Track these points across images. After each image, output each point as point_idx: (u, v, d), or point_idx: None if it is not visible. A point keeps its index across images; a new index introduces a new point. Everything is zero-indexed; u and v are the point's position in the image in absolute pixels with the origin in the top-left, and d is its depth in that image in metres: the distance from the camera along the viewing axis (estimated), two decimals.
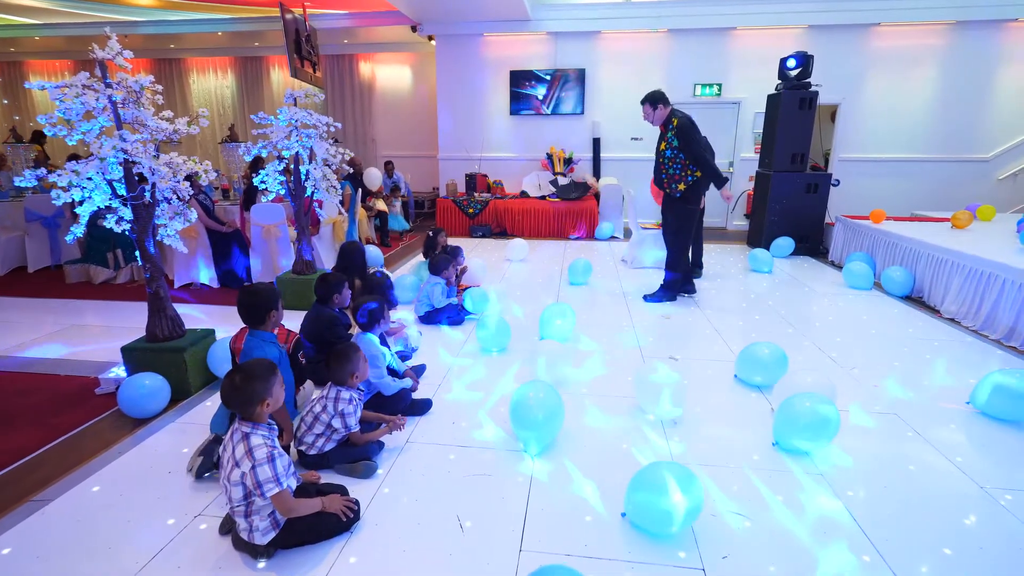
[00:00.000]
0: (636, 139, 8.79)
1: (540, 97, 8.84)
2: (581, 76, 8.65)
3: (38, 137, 8.49)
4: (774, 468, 2.38)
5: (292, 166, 4.37)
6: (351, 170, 6.61)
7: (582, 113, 8.81)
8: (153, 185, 2.87)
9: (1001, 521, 2.05)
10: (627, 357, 3.61)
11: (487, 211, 8.24)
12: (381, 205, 7.67)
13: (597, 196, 8.25)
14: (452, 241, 6.19)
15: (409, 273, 5.21)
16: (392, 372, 2.95)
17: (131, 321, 4.18)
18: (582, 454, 2.49)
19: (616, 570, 1.81)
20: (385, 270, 4.91)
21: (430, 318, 4.22)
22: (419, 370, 3.31)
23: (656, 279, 5.65)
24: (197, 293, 5.14)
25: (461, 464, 2.41)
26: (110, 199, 2.81)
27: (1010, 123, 7.97)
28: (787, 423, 2.47)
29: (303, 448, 2.33)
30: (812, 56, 6.56)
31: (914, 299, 4.96)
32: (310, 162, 4.42)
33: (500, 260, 6.54)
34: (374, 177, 7.00)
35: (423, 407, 2.86)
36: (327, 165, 4.57)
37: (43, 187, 6.06)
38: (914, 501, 2.17)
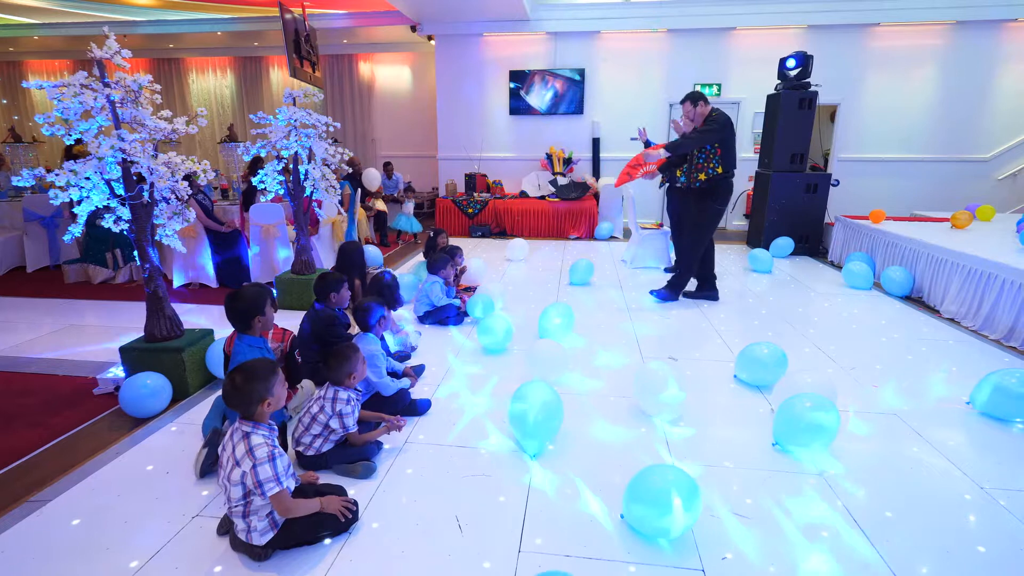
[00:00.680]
0: (635, 139, 8.77)
1: (540, 97, 8.83)
2: (581, 76, 8.64)
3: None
4: (774, 468, 2.38)
5: (291, 166, 4.36)
6: (350, 170, 6.61)
7: (581, 113, 8.80)
8: (151, 185, 2.87)
9: (1001, 521, 2.05)
10: (627, 357, 3.61)
11: (486, 211, 8.24)
12: (380, 205, 7.66)
13: (596, 196, 8.24)
14: (452, 241, 6.18)
15: (409, 273, 5.20)
16: (390, 373, 2.94)
17: (130, 321, 4.18)
18: (581, 455, 2.48)
19: (615, 571, 1.80)
20: (390, 270, 4.90)
21: (429, 317, 4.22)
22: (418, 370, 3.30)
23: (654, 279, 5.66)
24: (196, 293, 5.14)
25: (460, 465, 2.40)
26: (108, 199, 2.80)
27: (1009, 123, 7.98)
28: (787, 423, 2.46)
29: (301, 449, 2.33)
30: (812, 56, 6.56)
31: (914, 299, 4.96)
32: (309, 162, 4.41)
33: (500, 260, 6.53)
34: (373, 177, 6.99)
35: (422, 407, 2.85)
36: (326, 165, 4.56)
37: (42, 187, 6.06)
38: (914, 501, 2.16)
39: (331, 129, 4.49)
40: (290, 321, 3.76)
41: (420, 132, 10.40)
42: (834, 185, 6.85)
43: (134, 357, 3.00)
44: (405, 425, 2.57)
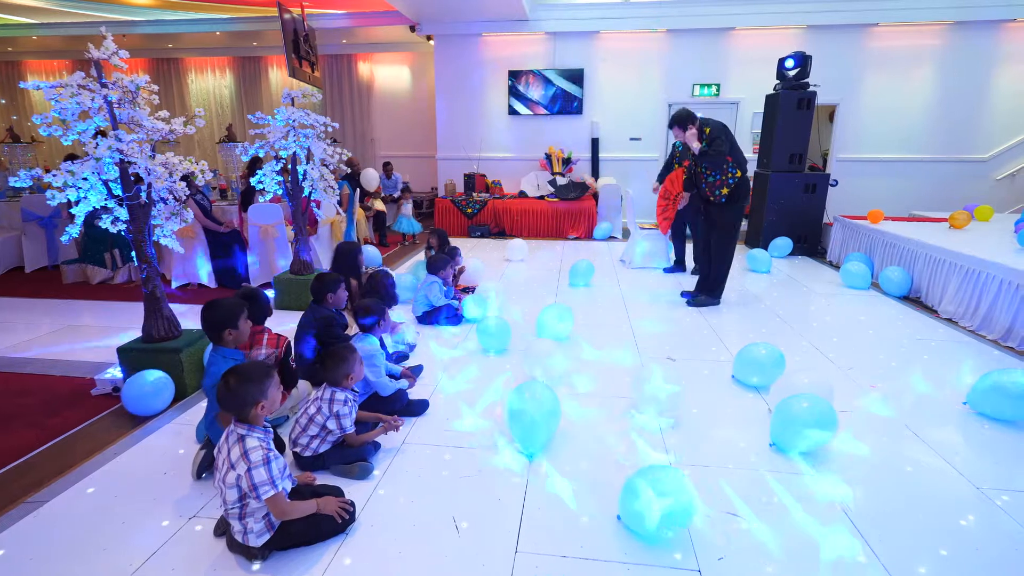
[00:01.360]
0: (635, 139, 8.79)
1: (539, 97, 8.83)
2: (580, 76, 8.64)
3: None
4: (771, 469, 2.38)
5: (289, 166, 4.36)
6: (349, 170, 6.61)
7: (581, 113, 8.80)
8: (149, 185, 2.87)
9: (998, 522, 2.05)
10: (624, 357, 3.61)
11: (485, 211, 8.24)
12: (379, 205, 7.66)
13: (595, 196, 8.25)
14: (451, 241, 6.18)
15: (408, 273, 5.20)
16: (387, 374, 2.94)
17: (128, 321, 4.17)
18: (578, 455, 2.48)
19: (612, 571, 1.81)
20: (386, 268, 4.90)
21: (428, 318, 4.22)
22: (416, 371, 3.30)
23: (653, 279, 5.66)
24: (194, 293, 5.13)
25: (457, 465, 2.40)
26: (106, 199, 2.80)
27: (1008, 123, 7.99)
28: (784, 424, 2.46)
29: (298, 450, 2.33)
30: (810, 56, 6.56)
31: (912, 299, 4.97)
32: (307, 162, 4.41)
33: (499, 260, 6.53)
34: (371, 178, 6.99)
35: (420, 408, 2.85)
36: (324, 165, 4.56)
37: (40, 187, 6.05)
38: (911, 501, 2.16)
39: (329, 129, 4.49)
40: (288, 322, 3.77)
41: (419, 132, 10.40)
42: (833, 185, 6.85)
43: (132, 358, 3.00)
44: (403, 425, 2.57)
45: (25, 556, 1.87)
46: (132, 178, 2.83)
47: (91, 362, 3.45)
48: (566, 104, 8.80)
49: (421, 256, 6.31)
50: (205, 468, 2.29)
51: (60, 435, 2.66)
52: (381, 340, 2.98)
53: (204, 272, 5.29)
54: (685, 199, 5.16)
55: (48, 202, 2.70)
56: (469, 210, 8.28)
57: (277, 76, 10.90)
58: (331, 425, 2.30)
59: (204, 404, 2.94)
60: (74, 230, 2.80)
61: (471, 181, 8.62)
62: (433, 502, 2.15)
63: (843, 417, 2.74)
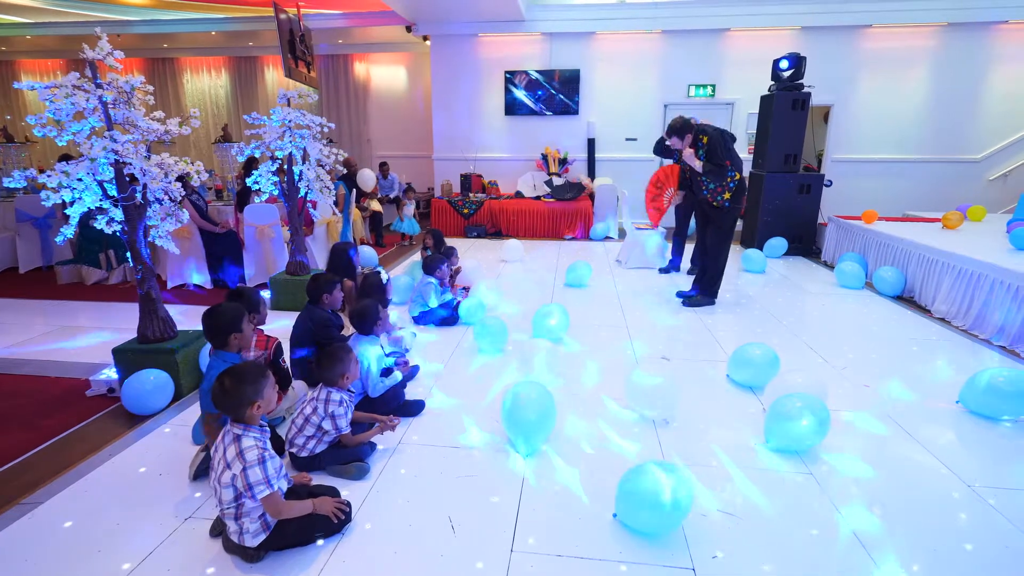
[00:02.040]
0: (631, 139, 8.81)
1: (535, 97, 8.84)
2: (576, 77, 8.66)
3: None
4: (764, 468, 2.39)
5: (285, 167, 4.36)
6: (345, 171, 6.60)
7: (577, 114, 8.82)
8: (144, 186, 2.86)
9: (989, 519, 2.07)
10: (619, 357, 3.62)
11: (482, 211, 8.24)
12: (376, 205, 7.66)
13: (592, 196, 8.26)
14: (447, 241, 6.18)
15: (404, 273, 5.20)
16: (384, 370, 2.94)
17: (123, 322, 4.16)
18: (574, 454, 2.49)
19: (606, 570, 1.82)
20: (383, 269, 4.90)
21: (424, 318, 4.22)
22: (412, 371, 3.30)
23: (649, 279, 5.68)
24: (190, 294, 5.12)
25: (453, 465, 2.41)
26: (101, 200, 2.79)
27: (1000, 124, 8.05)
28: (778, 423, 2.48)
29: (294, 450, 2.33)
30: (805, 57, 6.59)
31: (905, 299, 5.00)
32: (303, 163, 4.41)
33: (495, 260, 6.54)
34: (367, 178, 6.99)
35: (416, 408, 2.86)
36: (320, 166, 4.56)
37: (34, 188, 6.03)
38: (903, 500, 2.18)
39: (325, 130, 4.49)
40: (284, 322, 3.76)
41: (416, 132, 10.40)
42: (827, 186, 6.89)
43: (127, 358, 2.99)
44: (399, 425, 2.57)
45: (20, 557, 1.87)
46: (127, 179, 2.83)
47: (86, 363, 3.44)
48: (562, 105, 8.82)
49: (417, 256, 6.31)
50: (203, 471, 2.29)
51: (55, 436, 2.65)
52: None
53: (200, 273, 5.28)
54: (679, 197, 5.17)
55: (43, 203, 2.69)
56: (465, 210, 8.28)
57: (273, 76, 10.88)
58: (327, 425, 2.31)
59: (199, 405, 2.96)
60: (69, 231, 2.80)
61: (467, 181, 8.62)
62: (429, 502, 2.16)
63: (836, 416, 2.76)
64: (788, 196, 6.73)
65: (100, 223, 2.80)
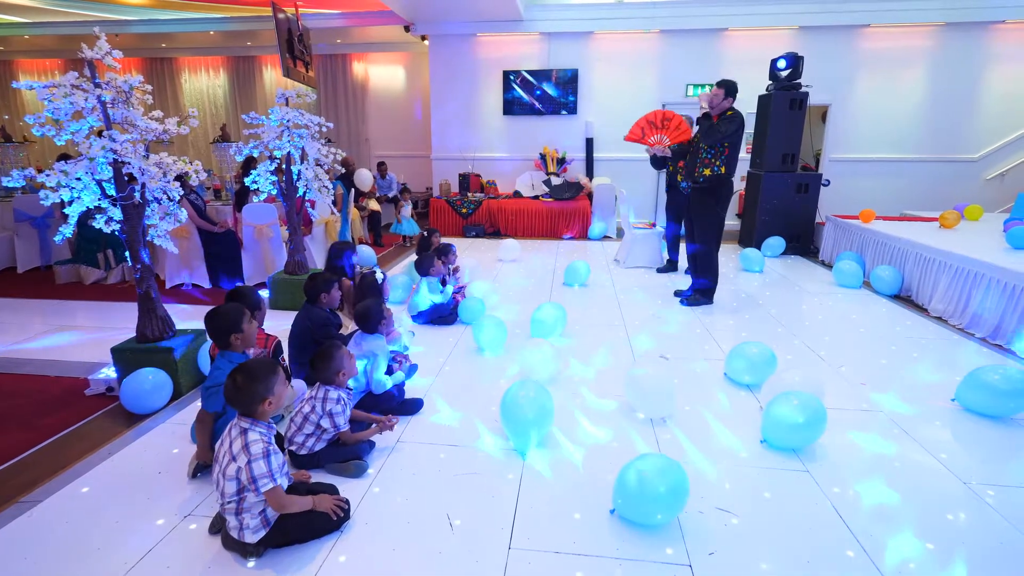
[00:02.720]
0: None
1: (533, 97, 8.85)
2: (574, 76, 8.67)
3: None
4: (762, 465, 2.40)
5: (284, 166, 4.36)
6: (343, 170, 6.60)
7: (575, 113, 8.83)
8: (143, 185, 2.87)
9: (985, 517, 2.08)
10: (618, 356, 3.63)
11: (480, 211, 8.25)
12: (374, 205, 7.66)
13: (590, 196, 8.27)
14: (445, 241, 6.19)
15: (402, 273, 5.21)
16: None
17: (122, 322, 4.16)
18: (572, 453, 2.50)
19: (604, 567, 1.83)
20: (379, 268, 4.90)
21: (423, 317, 4.23)
22: (411, 370, 3.31)
23: (647, 278, 5.69)
24: (189, 294, 5.12)
25: (451, 463, 2.42)
26: (99, 199, 2.80)
27: (997, 124, 8.07)
28: (775, 421, 2.49)
29: (294, 448, 2.34)
30: (802, 57, 6.61)
31: (902, 298, 5.01)
32: (302, 162, 4.41)
33: (493, 260, 6.54)
34: (365, 178, 6.99)
35: (414, 407, 2.87)
36: (319, 165, 4.56)
37: (32, 187, 6.02)
38: (900, 497, 2.19)
39: (324, 129, 4.49)
40: (282, 321, 3.77)
41: (414, 132, 10.40)
42: (825, 185, 6.90)
43: (126, 358, 3.00)
44: (397, 424, 2.58)
45: (19, 556, 1.87)
46: (126, 178, 2.83)
47: (85, 362, 3.43)
48: (560, 104, 8.82)
49: (415, 256, 6.31)
50: (201, 468, 2.30)
51: (54, 435, 2.66)
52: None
53: (199, 272, 5.28)
54: (661, 150, 5.07)
55: (42, 202, 2.69)
56: (464, 210, 8.29)
57: (271, 76, 10.87)
58: (325, 424, 2.31)
59: (199, 404, 2.96)
60: (67, 230, 2.80)
61: (466, 181, 8.63)
62: (427, 500, 2.16)
63: (833, 414, 2.78)
64: (786, 195, 6.75)
65: (99, 222, 2.81)
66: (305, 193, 4.51)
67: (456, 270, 5.05)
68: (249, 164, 6.27)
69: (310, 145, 4.43)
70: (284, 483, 1.82)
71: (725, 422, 2.78)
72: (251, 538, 1.81)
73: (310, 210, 5.19)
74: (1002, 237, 4.95)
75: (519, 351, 3.35)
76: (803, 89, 6.61)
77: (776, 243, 6.66)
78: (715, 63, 8.34)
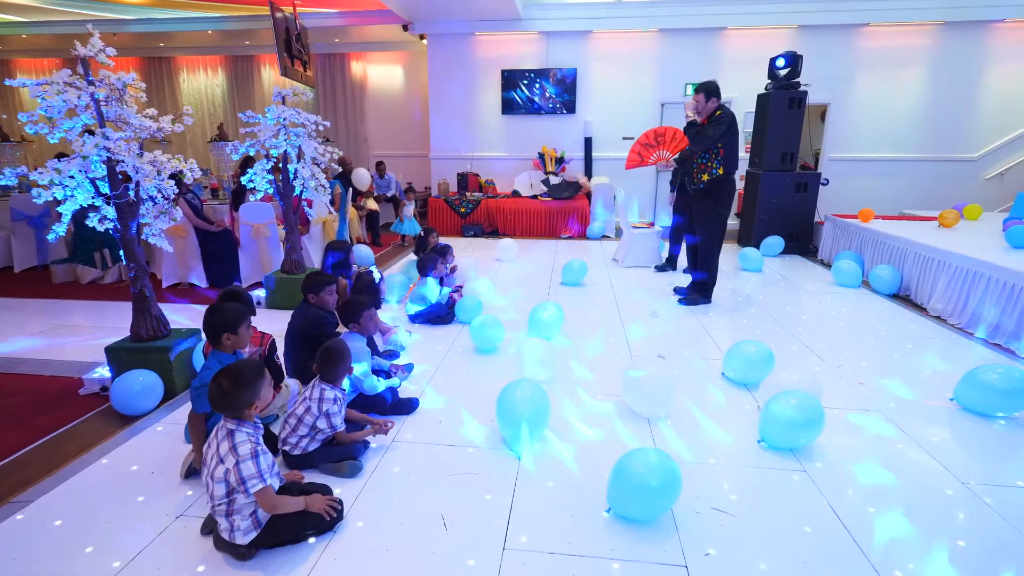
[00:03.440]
0: (628, 138, 8.79)
1: (532, 96, 8.84)
2: (573, 75, 8.65)
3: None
4: (759, 465, 2.39)
5: (280, 165, 4.35)
6: (340, 169, 6.59)
7: (574, 112, 8.81)
8: (137, 184, 2.85)
9: (983, 517, 2.07)
10: (615, 355, 3.62)
11: (479, 210, 8.23)
12: (372, 204, 7.64)
13: (588, 195, 8.26)
14: (444, 240, 6.17)
15: (399, 272, 5.19)
16: (376, 371, 2.93)
17: (118, 321, 4.13)
18: (568, 452, 2.49)
19: (599, 567, 1.81)
20: (376, 268, 4.89)
21: (420, 317, 4.21)
22: (407, 369, 3.29)
23: (645, 278, 5.68)
24: (185, 293, 5.11)
25: (447, 463, 2.40)
26: (93, 198, 2.78)
27: (997, 123, 8.06)
28: (772, 420, 2.48)
29: (287, 448, 2.32)
30: (801, 56, 6.60)
31: (901, 297, 5.00)
32: (298, 161, 4.40)
33: (491, 259, 6.53)
34: (362, 177, 6.97)
35: (409, 406, 2.85)
36: (315, 164, 4.55)
37: (28, 185, 6.00)
38: (897, 497, 2.18)
39: (320, 128, 4.47)
40: (279, 320, 3.75)
41: (412, 131, 10.38)
42: (824, 184, 6.89)
43: (120, 357, 2.98)
44: (393, 426, 2.56)
45: (10, 556, 1.86)
46: (120, 176, 2.82)
47: (80, 362, 3.41)
48: (559, 103, 8.81)
49: (413, 256, 6.29)
50: (194, 470, 2.28)
51: (47, 435, 2.64)
52: (370, 339, 2.97)
53: (195, 272, 5.26)
54: (667, 162, 5.04)
55: (34, 200, 2.67)
56: (463, 209, 8.27)
57: (270, 75, 10.86)
58: (321, 424, 2.30)
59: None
60: (61, 228, 2.78)
61: (464, 180, 8.61)
62: (422, 500, 2.15)
63: (831, 414, 2.76)
64: (785, 195, 6.74)
65: (92, 220, 2.79)
66: (302, 192, 4.49)
67: (453, 270, 5.04)
68: (247, 163, 6.24)
69: (307, 144, 4.41)
70: (275, 483, 1.80)
71: (722, 422, 2.76)
72: (242, 540, 1.79)
73: (307, 209, 5.17)
74: (1001, 236, 4.94)
75: (516, 350, 3.33)
76: (802, 88, 6.59)
77: (775, 242, 6.64)
78: (714, 62, 8.33)
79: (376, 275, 3.79)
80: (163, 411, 2.88)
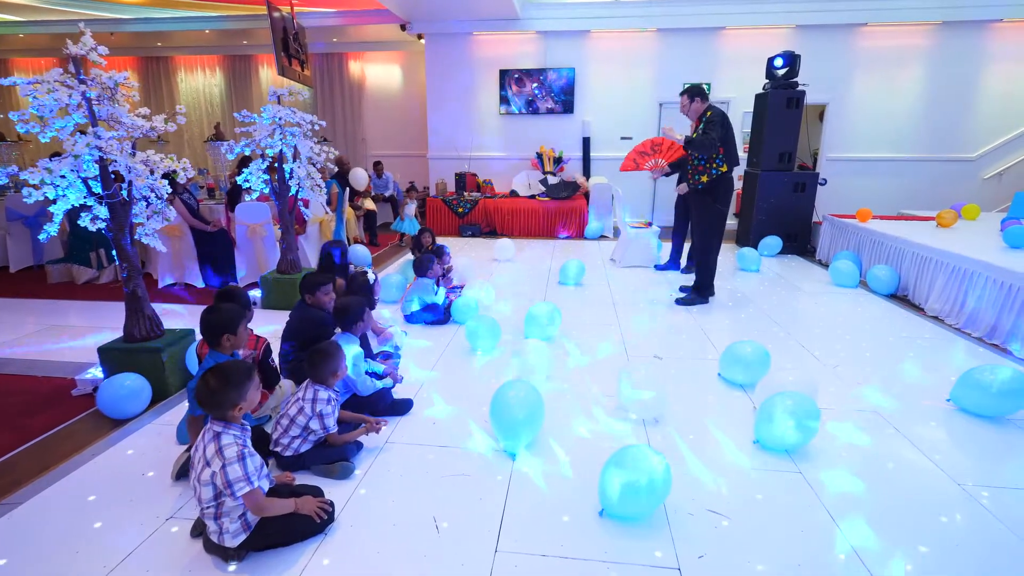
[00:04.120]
0: (626, 138, 8.79)
1: (530, 96, 8.82)
2: (571, 75, 8.64)
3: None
4: (754, 466, 2.37)
5: (276, 164, 4.33)
6: (336, 169, 6.57)
7: (572, 112, 8.80)
8: (130, 183, 2.83)
9: (979, 518, 2.06)
10: (611, 356, 3.60)
11: (477, 210, 8.22)
12: (369, 204, 7.62)
13: (587, 195, 8.24)
14: (441, 240, 6.16)
15: (396, 272, 5.17)
16: (370, 373, 2.92)
17: (112, 321, 4.11)
18: (562, 454, 2.47)
19: (592, 570, 1.80)
20: (371, 269, 4.88)
21: (415, 318, 4.19)
22: (396, 355, 3.27)
23: (643, 278, 5.67)
24: (181, 293, 5.09)
25: (440, 464, 2.39)
26: (85, 197, 2.76)
27: (995, 123, 8.05)
28: (768, 421, 2.46)
29: (279, 450, 2.30)
30: (799, 56, 6.58)
31: (899, 297, 4.99)
32: (294, 160, 4.38)
33: (489, 259, 6.51)
34: (360, 177, 6.95)
35: (404, 407, 2.84)
36: (311, 164, 4.53)
37: (21, 185, 5.98)
38: (894, 499, 2.16)
39: (316, 127, 4.46)
40: (276, 320, 3.74)
41: (410, 131, 10.36)
42: (822, 184, 6.88)
43: (112, 357, 2.96)
44: (386, 426, 2.54)
45: None
46: (112, 176, 2.80)
47: (73, 362, 3.39)
48: (557, 103, 8.80)
49: (410, 256, 6.28)
50: (185, 472, 2.26)
51: (38, 436, 2.62)
52: (364, 339, 2.96)
53: (191, 272, 5.24)
54: (663, 170, 5.08)
55: (25, 200, 2.66)
56: (460, 209, 8.26)
57: (267, 75, 10.83)
58: (314, 425, 2.28)
59: (187, 404, 2.93)
60: (52, 228, 2.76)
61: (462, 180, 8.60)
62: (414, 502, 2.13)
63: (828, 415, 2.75)
64: (783, 195, 6.73)
65: (84, 220, 2.77)
66: (298, 192, 4.48)
67: (449, 270, 5.02)
68: (244, 163, 6.22)
69: (302, 143, 4.40)
70: (265, 485, 1.79)
71: (718, 422, 2.75)
72: (231, 542, 1.77)
73: (303, 209, 5.15)
74: (999, 236, 4.93)
75: (512, 351, 3.32)
76: (800, 88, 6.58)
77: (773, 242, 6.63)
78: (712, 62, 8.32)
79: (371, 276, 3.76)
80: (155, 412, 2.86)
